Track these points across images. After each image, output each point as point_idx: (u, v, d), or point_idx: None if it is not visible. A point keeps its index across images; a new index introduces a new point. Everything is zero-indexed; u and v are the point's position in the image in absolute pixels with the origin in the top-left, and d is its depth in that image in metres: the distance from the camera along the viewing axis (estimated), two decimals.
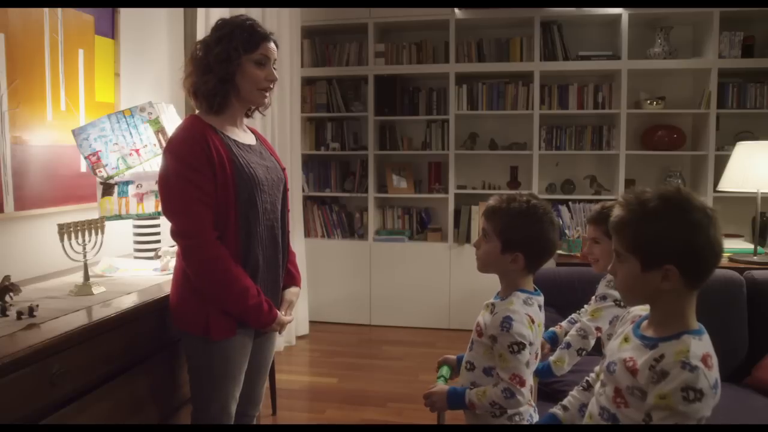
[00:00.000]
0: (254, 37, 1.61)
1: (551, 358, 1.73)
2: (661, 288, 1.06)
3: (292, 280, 1.83)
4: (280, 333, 1.75)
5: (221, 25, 1.63)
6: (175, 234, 1.56)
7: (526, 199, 1.40)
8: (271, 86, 1.68)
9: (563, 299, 2.20)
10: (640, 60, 3.92)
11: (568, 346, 1.73)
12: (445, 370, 1.57)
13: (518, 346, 1.32)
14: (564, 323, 1.94)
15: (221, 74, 1.59)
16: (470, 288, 4.08)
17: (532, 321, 1.36)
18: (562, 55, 4.04)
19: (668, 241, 1.04)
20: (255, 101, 1.68)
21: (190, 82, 1.64)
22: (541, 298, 1.44)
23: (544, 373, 1.71)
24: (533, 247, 1.38)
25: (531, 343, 1.34)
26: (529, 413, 1.40)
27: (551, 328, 1.92)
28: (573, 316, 1.94)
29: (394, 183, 4.36)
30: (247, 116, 1.79)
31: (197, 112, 1.68)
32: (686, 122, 4.10)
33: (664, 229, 1.05)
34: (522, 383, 1.32)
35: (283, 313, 1.73)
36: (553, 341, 1.90)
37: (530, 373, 1.39)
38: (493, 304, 1.42)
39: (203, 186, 1.52)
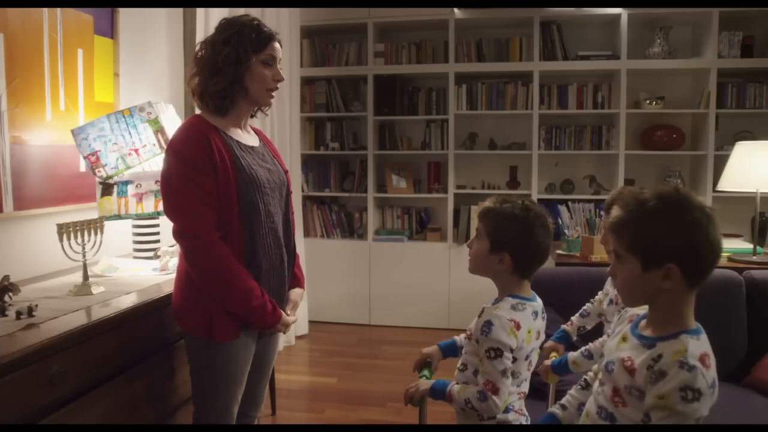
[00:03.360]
0: (262, 37, 1.60)
1: (570, 358, 1.70)
2: (662, 287, 1.06)
3: (296, 281, 1.82)
4: (284, 333, 1.74)
5: (227, 25, 1.61)
6: (177, 234, 1.55)
7: (520, 201, 1.40)
8: (278, 86, 1.67)
9: (563, 299, 2.20)
10: (640, 60, 3.92)
11: (591, 356, 1.67)
12: (427, 371, 1.58)
13: (494, 352, 1.31)
14: (575, 318, 1.92)
15: (231, 76, 1.57)
16: (469, 288, 4.07)
17: (518, 327, 1.34)
18: (562, 55, 4.04)
19: (668, 239, 1.05)
20: (263, 101, 1.67)
21: (196, 83, 1.62)
22: (536, 304, 1.42)
23: (560, 368, 1.70)
24: (521, 249, 1.37)
25: (512, 350, 1.32)
26: (519, 422, 1.39)
27: (562, 326, 1.91)
28: (586, 308, 1.91)
29: (394, 183, 4.36)
30: (252, 116, 1.78)
31: (200, 111, 1.67)
32: (685, 122, 4.10)
33: (664, 228, 1.05)
34: (495, 391, 1.31)
35: (287, 313, 1.72)
36: (564, 340, 1.89)
37: (515, 384, 1.37)
38: (483, 308, 1.42)
39: (205, 186, 1.51)
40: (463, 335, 1.61)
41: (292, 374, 3.39)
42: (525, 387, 1.43)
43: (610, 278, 1.85)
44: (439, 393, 1.42)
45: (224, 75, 1.57)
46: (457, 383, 1.43)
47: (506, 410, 1.37)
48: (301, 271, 1.86)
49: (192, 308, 1.60)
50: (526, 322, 1.36)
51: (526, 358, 1.38)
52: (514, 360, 1.35)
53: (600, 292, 1.90)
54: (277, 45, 1.64)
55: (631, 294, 1.14)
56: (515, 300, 1.39)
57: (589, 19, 4.03)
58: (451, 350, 1.62)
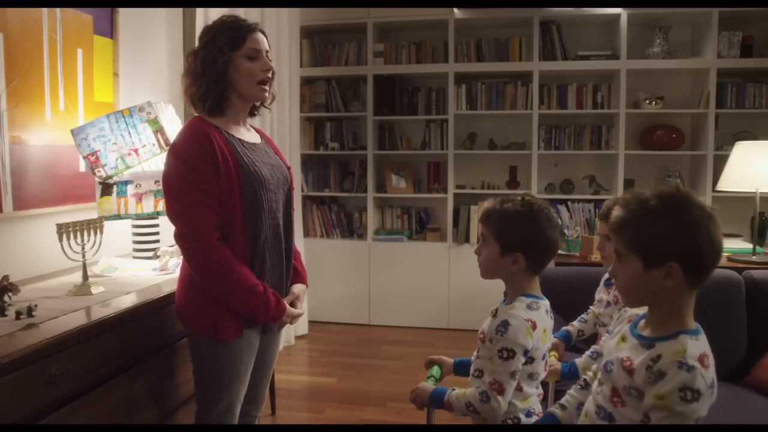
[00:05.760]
0: (238, 33, 1.60)
1: (580, 365, 1.71)
2: (663, 286, 1.06)
3: (299, 277, 1.82)
4: (291, 324, 1.74)
5: (204, 31, 1.64)
6: (177, 236, 1.55)
7: (520, 198, 1.37)
8: (269, 76, 1.67)
9: (562, 299, 2.20)
10: (639, 60, 3.92)
11: (599, 357, 1.70)
12: (435, 370, 1.55)
13: (508, 353, 1.29)
14: (576, 322, 1.94)
15: (212, 76, 1.59)
16: (469, 288, 4.08)
17: (534, 327, 1.32)
18: (561, 55, 4.04)
19: (670, 238, 1.05)
20: (256, 96, 1.67)
21: (187, 94, 1.64)
22: (546, 302, 1.40)
23: (570, 375, 1.70)
24: (532, 246, 1.35)
25: (527, 350, 1.30)
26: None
27: (564, 328, 1.92)
28: (583, 316, 1.94)
29: (393, 183, 4.36)
30: (252, 115, 1.78)
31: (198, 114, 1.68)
32: (685, 122, 4.10)
33: (665, 227, 1.05)
34: (500, 391, 1.29)
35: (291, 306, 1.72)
36: (567, 340, 1.90)
37: (534, 385, 1.36)
38: (496, 309, 1.39)
39: (205, 187, 1.52)
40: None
41: (292, 374, 3.39)
42: (540, 388, 1.41)
43: (600, 285, 1.88)
44: (437, 402, 1.40)
45: (205, 77, 1.59)
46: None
47: (528, 414, 1.36)
48: (303, 267, 1.87)
49: (196, 307, 1.60)
50: (541, 322, 1.34)
51: (543, 357, 1.37)
52: (532, 360, 1.33)
53: (591, 308, 1.92)
54: (258, 37, 1.63)
55: (633, 293, 1.14)
56: (529, 299, 1.36)
57: (588, 19, 4.03)
58: (464, 368, 1.57)
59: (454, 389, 1.39)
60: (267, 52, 1.66)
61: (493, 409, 1.30)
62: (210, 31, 1.63)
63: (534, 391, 1.38)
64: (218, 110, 1.63)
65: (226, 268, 1.52)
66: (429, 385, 1.45)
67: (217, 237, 1.53)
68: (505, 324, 1.31)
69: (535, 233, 1.35)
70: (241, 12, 3.02)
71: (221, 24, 1.63)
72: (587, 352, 1.74)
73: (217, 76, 1.59)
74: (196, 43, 1.69)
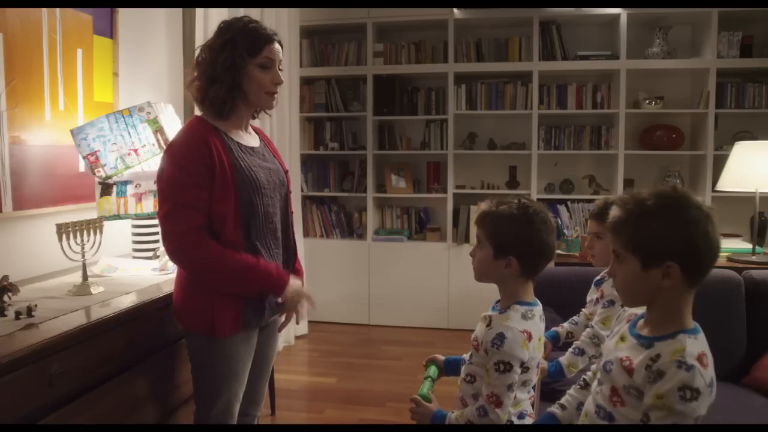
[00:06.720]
0: (257, 41, 1.59)
1: (564, 362, 1.73)
2: (661, 286, 1.06)
3: (296, 274, 1.82)
4: (312, 305, 1.71)
5: (224, 29, 1.61)
6: (162, 236, 1.56)
7: (516, 201, 1.35)
8: (277, 89, 1.67)
9: (562, 299, 2.20)
10: (639, 60, 3.92)
11: (582, 352, 1.72)
12: (432, 370, 1.54)
13: (505, 366, 1.27)
14: (566, 324, 1.95)
15: (229, 82, 1.58)
16: (469, 288, 4.07)
17: (530, 338, 1.30)
18: (561, 55, 4.04)
19: (668, 237, 1.05)
20: (263, 105, 1.68)
21: (197, 89, 1.63)
22: (540, 308, 1.39)
23: (556, 374, 1.71)
24: (526, 250, 1.33)
25: (523, 362, 1.29)
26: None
27: (553, 328, 1.93)
28: (574, 318, 1.94)
29: (393, 183, 4.36)
30: (254, 117, 1.78)
31: (201, 113, 1.67)
32: (685, 122, 4.10)
33: (663, 227, 1.06)
34: (498, 404, 1.28)
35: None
36: (555, 340, 1.91)
37: (526, 390, 1.36)
38: (490, 317, 1.37)
39: (193, 190, 1.51)
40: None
41: (292, 374, 3.39)
42: (532, 391, 1.41)
43: (592, 287, 1.88)
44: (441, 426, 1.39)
45: (222, 81, 1.58)
46: (464, 397, 1.40)
47: (521, 416, 1.36)
48: (300, 266, 1.87)
49: (193, 304, 1.60)
50: (536, 331, 1.33)
51: (537, 365, 1.37)
52: (527, 369, 1.32)
53: (583, 310, 1.92)
54: (275, 47, 1.63)
55: (631, 293, 1.14)
56: (524, 308, 1.34)
57: (588, 19, 4.03)
58: (454, 369, 1.55)
59: (452, 411, 1.38)
60: (280, 62, 1.66)
61: (492, 422, 1.29)
62: (229, 31, 1.59)
63: (525, 396, 1.37)
64: (224, 114, 1.62)
65: (211, 255, 1.51)
66: (429, 408, 1.40)
67: (198, 236, 1.52)
68: (501, 337, 1.29)
69: (530, 237, 1.33)
70: (241, 12, 3.02)
71: (242, 27, 1.59)
72: (570, 349, 1.75)
73: (233, 83, 1.58)
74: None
